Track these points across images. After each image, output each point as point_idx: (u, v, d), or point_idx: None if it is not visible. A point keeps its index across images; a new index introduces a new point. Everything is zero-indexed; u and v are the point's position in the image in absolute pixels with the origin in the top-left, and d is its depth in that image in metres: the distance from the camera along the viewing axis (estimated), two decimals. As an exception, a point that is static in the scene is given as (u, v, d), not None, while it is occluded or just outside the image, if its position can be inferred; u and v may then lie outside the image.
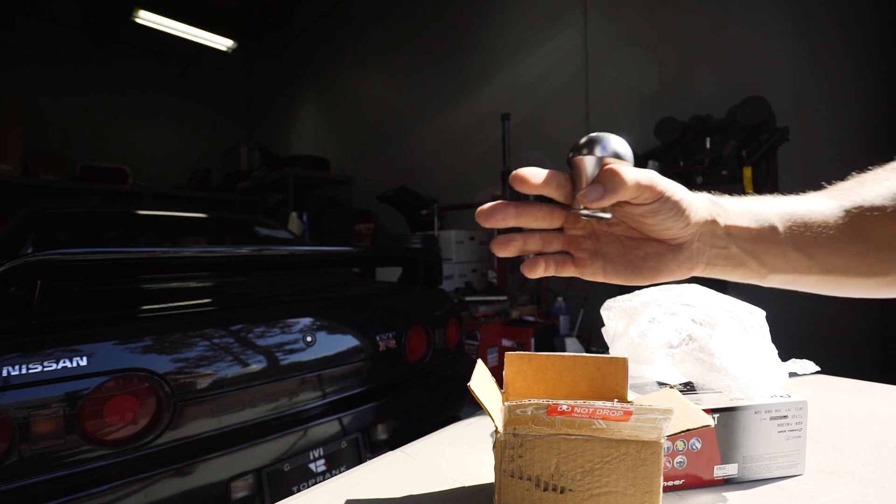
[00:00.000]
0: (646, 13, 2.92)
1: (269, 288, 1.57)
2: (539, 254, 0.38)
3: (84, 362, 0.88)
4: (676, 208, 0.34)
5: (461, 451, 0.54)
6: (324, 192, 5.54)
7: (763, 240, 0.37)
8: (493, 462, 0.38)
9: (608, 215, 0.35)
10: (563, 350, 1.67)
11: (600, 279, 0.39)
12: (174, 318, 1.09)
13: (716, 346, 0.48)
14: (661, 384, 0.50)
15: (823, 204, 0.39)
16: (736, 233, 0.37)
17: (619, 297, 0.56)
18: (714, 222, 0.37)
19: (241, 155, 6.23)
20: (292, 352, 1.19)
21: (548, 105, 3.42)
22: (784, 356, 0.62)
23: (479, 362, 0.44)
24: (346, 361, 1.29)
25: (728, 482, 0.44)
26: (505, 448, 0.36)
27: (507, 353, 0.45)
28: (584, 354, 0.45)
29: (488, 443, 0.56)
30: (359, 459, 1.25)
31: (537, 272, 0.37)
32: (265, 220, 2.39)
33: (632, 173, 0.32)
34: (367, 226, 4.48)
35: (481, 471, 0.48)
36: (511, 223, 0.35)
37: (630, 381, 0.45)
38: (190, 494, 0.96)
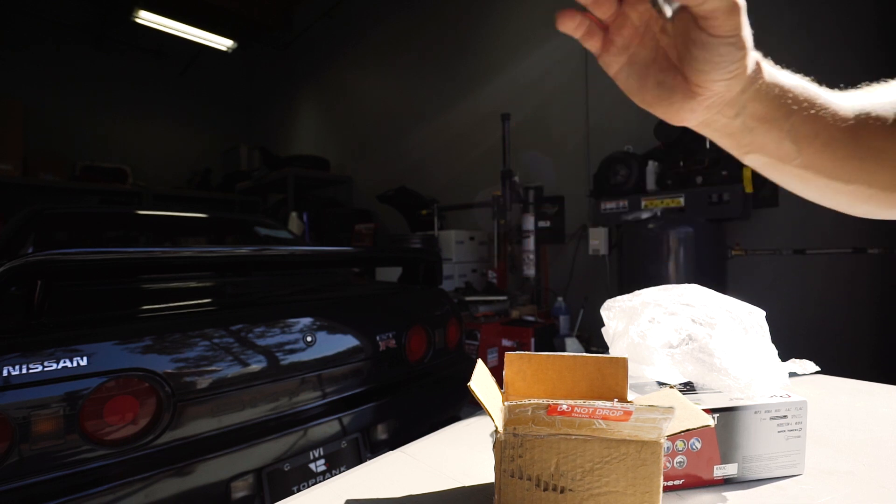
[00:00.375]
0: (646, 13, 2.91)
1: (269, 288, 1.58)
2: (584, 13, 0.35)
3: (84, 362, 0.88)
4: (733, 59, 0.32)
5: (461, 451, 0.54)
6: (324, 192, 5.54)
7: (769, 122, 0.37)
8: (493, 462, 0.38)
9: (668, 10, 0.33)
10: (563, 350, 1.67)
11: (610, 72, 0.38)
12: (174, 318, 1.09)
13: (716, 346, 0.48)
14: (661, 384, 0.50)
15: (845, 100, 0.39)
16: (752, 110, 0.37)
17: (619, 298, 0.56)
18: (742, 92, 0.36)
19: (241, 155, 6.24)
20: (292, 352, 1.19)
21: (548, 105, 3.42)
22: (784, 356, 0.62)
23: (479, 362, 0.44)
24: (346, 361, 1.29)
25: (728, 482, 0.45)
26: (505, 448, 0.36)
27: (507, 353, 0.45)
28: (584, 354, 0.45)
29: (488, 443, 0.56)
30: (359, 459, 1.25)
31: (572, 24, 0.35)
32: (265, 220, 2.38)
33: None
34: (367, 226, 4.48)
35: (481, 471, 0.48)
36: None
37: (630, 381, 0.45)
38: (190, 494, 0.96)
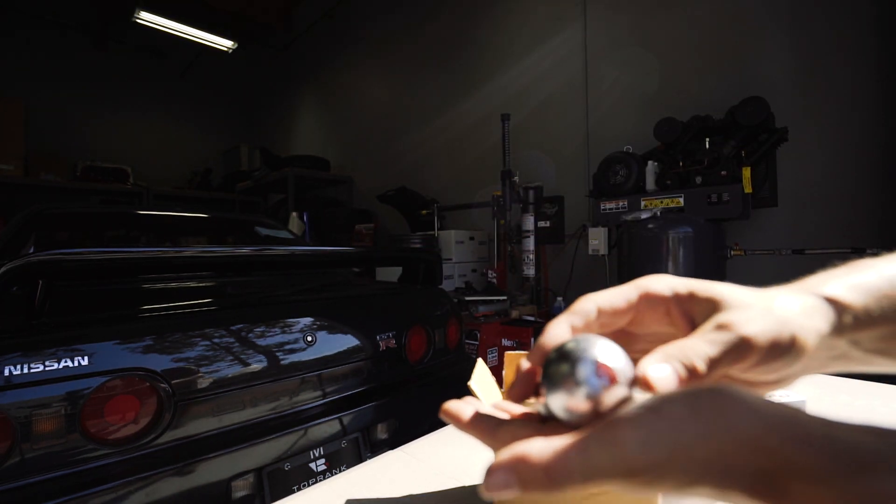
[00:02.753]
0: (646, 13, 2.92)
1: (269, 288, 1.58)
2: None
3: (85, 362, 0.89)
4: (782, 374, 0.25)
5: (461, 451, 0.54)
6: (324, 192, 5.54)
7: None
8: (492, 462, 0.38)
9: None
10: (563, 350, 1.66)
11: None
12: (175, 317, 1.09)
13: (715, 346, 0.48)
14: (660, 384, 0.50)
15: None
16: (862, 338, 0.26)
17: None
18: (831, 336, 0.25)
19: (242, 155, 6.24)
20: (292, 351, 1.19)
21: (548, 105, 3.42)
22: (783, 356, 0.61)
23: (480, 361, 0.44)
24: (346, 361, 1.30)
25: (727, 481, 0.45)
26: (505, 447, 0.36)
27: (506, 352, 0.45)
28: (584, 354, 0.45)
29: (488, 442, 0.56)
30: (359, 459, 1.25)
31: None
32: (265, 220, 2.39)
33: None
34: (367, 226, 4.48)
35: (481, 471, 0.48)
36: None
37: (629, 381, 0.45)
38: (190, 494, 0.96)
